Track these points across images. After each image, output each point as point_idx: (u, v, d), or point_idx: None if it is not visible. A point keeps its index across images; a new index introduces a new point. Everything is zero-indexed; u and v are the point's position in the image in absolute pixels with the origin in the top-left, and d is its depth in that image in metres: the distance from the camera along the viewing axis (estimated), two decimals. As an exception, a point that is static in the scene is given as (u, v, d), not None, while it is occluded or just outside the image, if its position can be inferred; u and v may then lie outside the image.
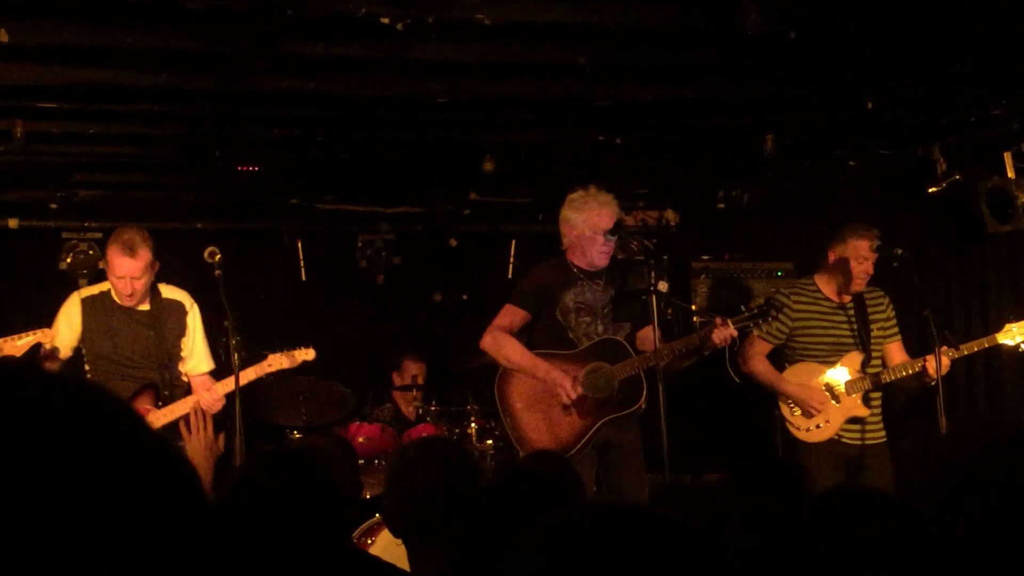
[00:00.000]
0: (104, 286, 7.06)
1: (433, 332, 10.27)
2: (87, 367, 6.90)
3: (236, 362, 6.44)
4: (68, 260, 9.59)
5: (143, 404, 6.74)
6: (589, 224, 6.93)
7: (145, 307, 6.97)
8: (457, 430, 8.44)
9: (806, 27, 6.10)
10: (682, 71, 7.00)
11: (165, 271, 7.12)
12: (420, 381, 9.49)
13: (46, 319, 7.28)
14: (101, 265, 9.49)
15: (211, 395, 6.85)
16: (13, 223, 9.45)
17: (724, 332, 6.73)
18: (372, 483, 7.96)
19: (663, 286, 6.61)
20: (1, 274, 9.53)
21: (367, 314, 10.34)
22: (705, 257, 9.90)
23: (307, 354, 7.20)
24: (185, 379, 7.15)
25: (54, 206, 9.48)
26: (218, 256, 6.65)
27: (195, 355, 7.20)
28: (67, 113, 7.37)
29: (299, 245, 10.17)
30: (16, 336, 6.90)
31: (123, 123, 7.82)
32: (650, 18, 5.99)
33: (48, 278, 9.52)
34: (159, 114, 7.56)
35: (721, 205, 10.11)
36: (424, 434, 8.22)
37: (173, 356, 7.02)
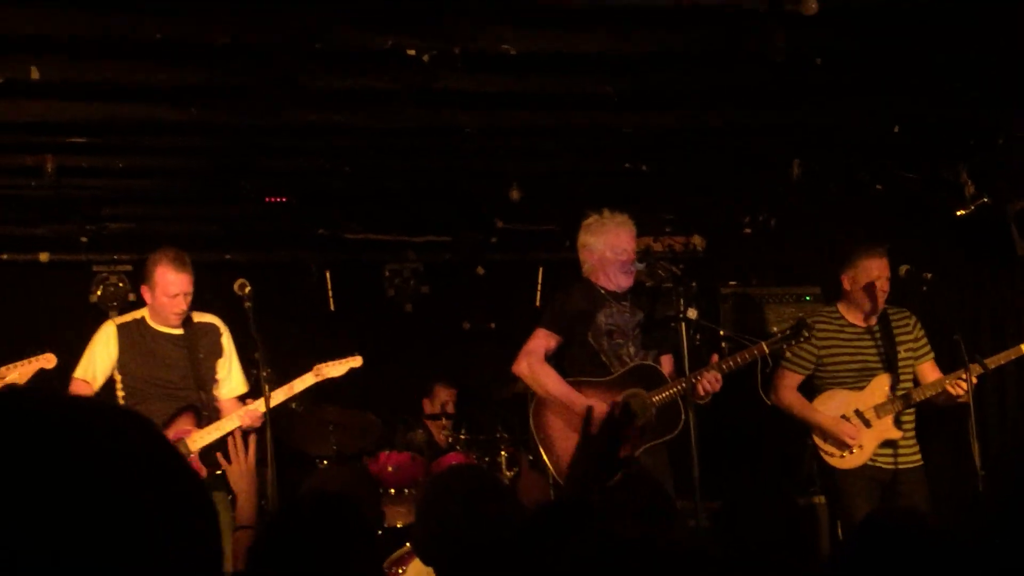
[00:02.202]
0: (137, 314, 7.05)
1: (462, 360, 10.27)
2: (121, 392, 6.89)
3: (267, 394, 6.44)
4: (99, 293, 9.65)
5: (184, 424, 6.73)
6: (610, 246, 6.95)
7: (179, 331, 6.97)
8: (487, 458, 8.43)
9: (831, 52, 6.11)
10: (707, 97, 7.00)
11: (196, 302, 7.13)
12: (451, 408, 9.48)
13: (76, 352, 7.31)
14: (132, 298, 9.57)
15: (252, 412, 6.80)
16: (44, 257, 9.52)
17: (708, 379, 6.72)
18: (402, 512, 7.97)
19: (692, 313, 6.61)
20: (32, 307, 9.58)
21: (396, 343, 10.35)
22: (733, 283, 9.88)
23: (354, 361, 7.16)
24: (217, 405, 7.10)
25: (84, 239, 9.53)
26: (248, 288, 6.66)
27: (232, 377, 7.17)
28: (97, 148, 7.42)
29: (327, 275, 10.20)
30: (19, 363, 6.91)
31: (152, 157, 7.88)
32: (675, 45, 6.01)
33: (79, 311, 9.57)
34: (187, 147, 7.62)
35: (748, 230, 10.10)
36: (454, 462, 8.21)
37: (209, 379, 7.00)
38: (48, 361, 6.94)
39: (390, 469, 8.21)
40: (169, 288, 6.79)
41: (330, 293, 10.21)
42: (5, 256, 9.46)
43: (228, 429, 6.53)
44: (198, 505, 1.07)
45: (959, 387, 7.04)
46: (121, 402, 6.85)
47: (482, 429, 8.78)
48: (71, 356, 7.12)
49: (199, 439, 6.63)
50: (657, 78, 6.53)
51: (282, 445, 7.11)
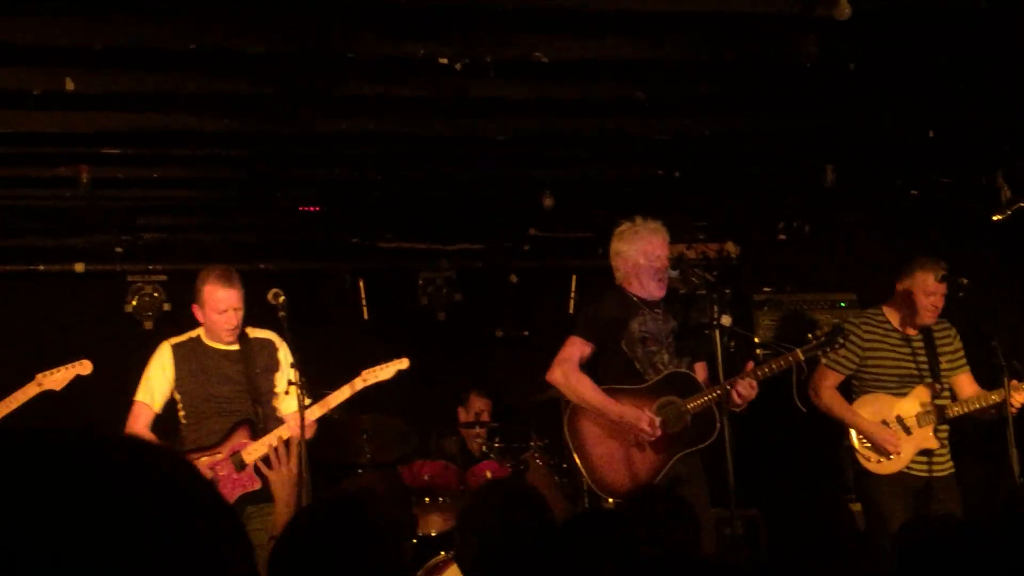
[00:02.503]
0: (193, 333, 7.04)
1: (495, 368, 10.26)
2: (182, 412, 6.91)
3: (303, 403, 6.44)
4: (134, 303, 9.70)
5: (240, 438, 6.74)
6: (643, 253, 6.94)
7: (235, 347, 6.98)
8: (521, 466, 8.41)
9: (864, 57, 6.08)
10: (740, 103, 6.99)
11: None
12: (485, 417, 9.48)
13: (111, 362, 7.35)
14: (167, 308, 9.62)
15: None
16: (80, 267, 9.56)
17: (743, 386, 6.68)
18: (436, 520, 7.96)
19: (726, 320, 6.58)
20: (68, 318, 9.63)
21: (429, 351, 10.34)
22: (767, 289, 9.85)
23: (401, 363, 7.15)
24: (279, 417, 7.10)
25: (119, 250, 9.57)
26: (282, 298, 6.66)
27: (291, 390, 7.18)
28: (131, 158, 7.46)
29: (361, 284, 10.22)
30: (57, 369, 6.95)
31: (186, 167, 7.92)
32: (707, 51, 6.00)
33: (114, 321, 9.63)
34: (221, 157, 7.65)
35: (782, 236, 10.06)
36: (488, 471, 8.20)
37: (266, 393, 6.99)
38: (84, 368, 6.98)
39: (425, 477, 8.21)
40: (218, 305, 6.81)
41: (364, 302, 10.22)
42: (41, 267, 9.52)
43: (276, 443, 6.53)
44: (235, 544, 1.07)
45: (1019, 397, 7.00)
46: (183, 421, 6.88)
47: (516, 437, 8.77)
48: (106, 366, 7.16)
49: (254, 451, 6.64)
50: (689, 84, 6.52)
51: (317, 454, 7.11)
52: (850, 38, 5.85)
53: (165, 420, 6.93)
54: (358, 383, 6.96)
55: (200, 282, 6.88)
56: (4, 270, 9.34)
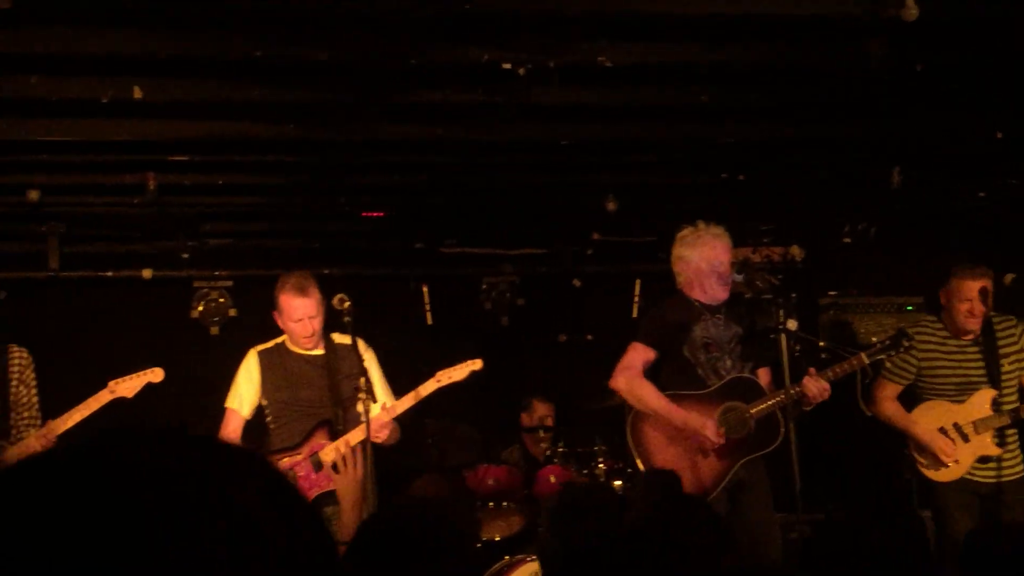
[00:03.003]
0: (279, 339, 7.11)
1: (558, 373, 10.25)
2: (269, 416, 6.98)
3: (367, 407, 6.46)
4: (200, 308, 9.77)
5: (320, 439, 6.80)
6: (705, 258, 6.90)
7: (320, 351, 7.05)
8: (585, 471, 8.40)
9: (931, 59, 6.03)
10: (805, 106, 6.95)
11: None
12: (549, 422, 9.47)
13: (177, 367, 7.41)
14: (232, 313, 9.69)
15: (375, 422, 6.79)
16: (147, 273, 9.65)
17: (816, 385, 6.61)
18: (501, 525, 7.96)
19: (792, 324, 6.54)
20: (136, 323, 9.73)
21: (493, 356, 10.32)
22: (832, 293, 9.78)
23: (475, 364, 7.16)
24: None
25: (185, 256, 9.65)
26: (347, 303, 6.69)
27: (376, 394, 7.22)
28: (197, 165, 7.54)
29: (424, 289, 10.25)
30: (128, 377, 7.02)
31: (251, 173, 7.99)
32: (771, 55, 5.97)
33: (180, 326, 9.72)
34: (286, 164, 7.71)
35: (847, 240, 9.98)
36: (552, 475, 8.20)
37: (349, 397, 7.03)
38: (156, 375, 7.06)
39: (489, 482, 8.22)
40: (294, 313, 6.87)
41: (427, 307, 10.25)
42: (110, 273, 9.61)
43: (355, 441, 6.57)
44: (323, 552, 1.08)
45: None
46: (270, 425, 6.97)
47: (580, 442, 8.76)
48: (173, 371, 7.22)
49: (331, 451, 6.68)
50: (754, 88, 6.49)
51: (382, 458, 7.14)
52: (916, 40, 5.80)
53: (254, 425, 7.02)
54: (432, 384, 6.99)
55: (277, 290, 6.94)
56: (74, 276, 9.44)
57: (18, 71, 5.81)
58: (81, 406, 6.89)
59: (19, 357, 7.13)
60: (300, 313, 6.86)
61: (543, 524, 4.05)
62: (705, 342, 6.88)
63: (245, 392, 6.98)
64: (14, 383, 7.05)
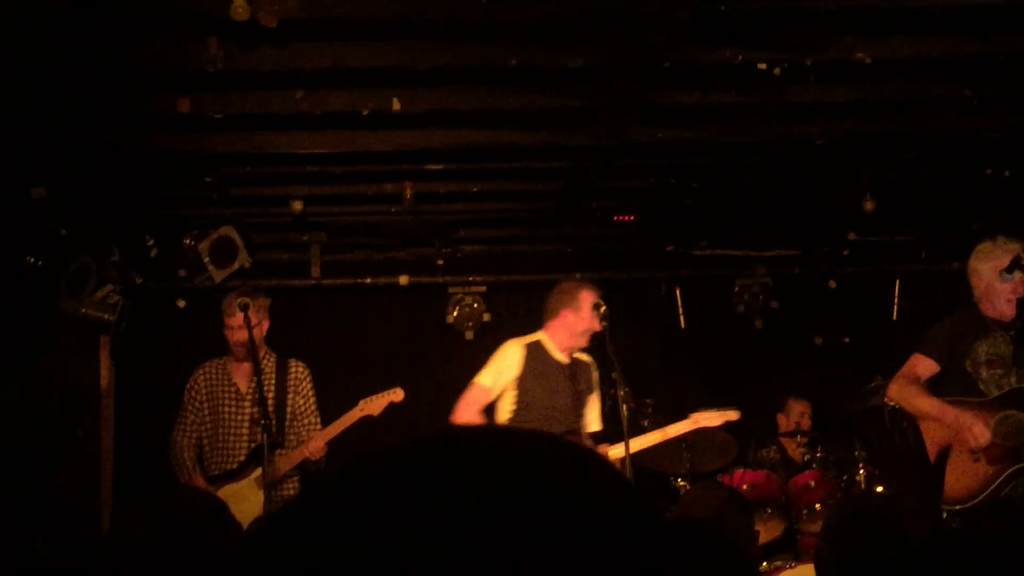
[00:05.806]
0: (532, 337, 7.23)
1: (814, 376, 10.06)
2: (512, 407, 7.07)
3: (624, 413, 6.47)
4: (454, 314, 9.93)
5: None
6: (997, 272, 6.66)
7: (566, 361, 7.18)
8: (844, 476, 8.22)
9: None
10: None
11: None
12: (806, 421, 9.33)
13: (433, 371, 7.55)
14: (486, 318, 9.82)
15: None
16: (404, 280, 9.86)
17: None
18: (759, 530, 7.85)
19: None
20: (392, 329, 9.96)
21: (746, 359, 10.24)
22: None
23: (731, 414, 7.36)
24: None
25: (440, 262, 9.83)
26: (603, 308, 6.74)
27: (592, 412, 7.35)
28: (453, 173, 7.68)
29: (677, 292, 10.20)
30: (374, 396, 7.25)
31: (505, 180, 8.09)
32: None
33: (435, 332, 9.90)
34: (538, 170, 7.78)
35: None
36: (811, 480, 8.05)
37: (582, 413, 7.17)
38: (397, 395, 7.28)
39: (745, 487, 8.11)
40: (592, 310, 7.01)
41: (680, 310, 10.20)
42: (368, 279, 9.86)
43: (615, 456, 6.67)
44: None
45: None
46: (508, 416, 7.07)
47: (838, 447, 8.57)
48: (427, 376, 7.37)
49: None
50: (1020, 79, 6.23)
51: (636, 464, 7.13)
52: None
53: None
54: (686, 425, 7.15)
55: (575, 288, 7.16)
56: (335, 283, 9.72)
57: (284, 87, 6.01)
58: (336, 423, 7.19)
59: (296, 370, 7.44)
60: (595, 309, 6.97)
61: (820, 536, 3.97)
62: (990, 359, 6.62)
63: (503, 377, 7.10)
64: (290, 394, 7.36)
